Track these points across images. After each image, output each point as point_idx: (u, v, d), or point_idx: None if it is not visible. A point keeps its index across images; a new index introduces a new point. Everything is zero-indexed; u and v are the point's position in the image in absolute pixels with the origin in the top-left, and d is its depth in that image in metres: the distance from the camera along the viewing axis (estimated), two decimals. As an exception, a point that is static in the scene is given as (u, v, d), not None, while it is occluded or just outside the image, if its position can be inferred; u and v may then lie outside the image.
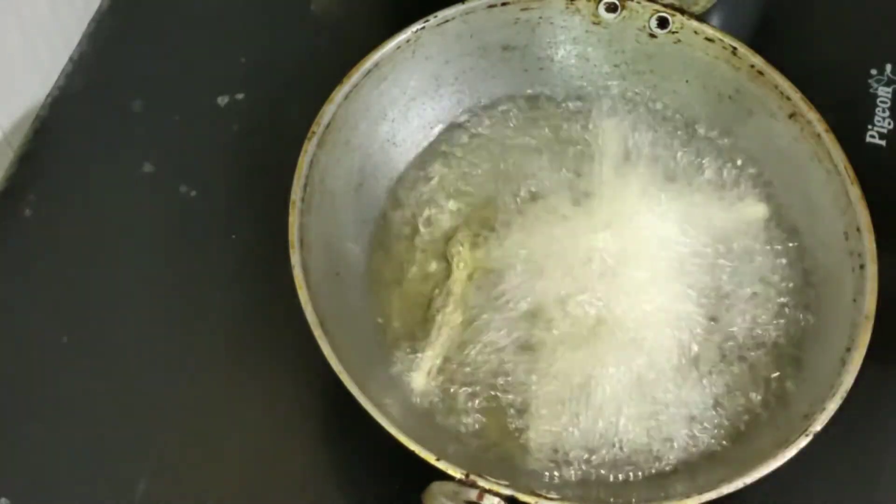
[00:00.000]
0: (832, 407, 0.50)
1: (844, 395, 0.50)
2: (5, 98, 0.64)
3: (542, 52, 0.64)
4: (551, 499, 0.47)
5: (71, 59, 0.69)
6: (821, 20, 0.74)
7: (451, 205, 0.61)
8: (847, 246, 0.56)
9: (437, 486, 0.47)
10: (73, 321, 0.59)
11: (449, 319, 0.56)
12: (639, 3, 0.62)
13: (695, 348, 0.56)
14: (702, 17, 0.64)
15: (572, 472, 0.53)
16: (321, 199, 0.56)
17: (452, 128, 0.64)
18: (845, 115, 0.64)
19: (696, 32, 0.62)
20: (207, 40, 0.71)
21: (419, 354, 0.55)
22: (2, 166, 0.64)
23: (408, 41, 0.61)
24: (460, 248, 0.59)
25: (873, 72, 0.70)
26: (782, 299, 0.58)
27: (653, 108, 0.64)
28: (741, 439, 0.54)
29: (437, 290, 0.58)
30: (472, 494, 0.47)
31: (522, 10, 0.63)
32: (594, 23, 0.63)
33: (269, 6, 0.73)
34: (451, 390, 0.55)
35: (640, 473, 0.53)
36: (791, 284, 0.58)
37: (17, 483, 0.55)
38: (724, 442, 0.54)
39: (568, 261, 0.57)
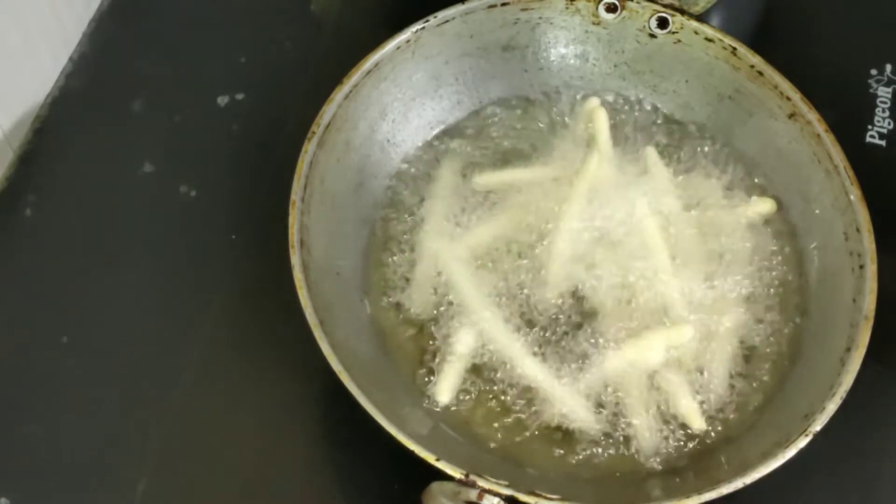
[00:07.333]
0: (832, 407, 0.50)
1: (844, 395, 0.50)
2: (5, 98, 0.64)
3: (542, 53, 0.64)
4: (551, 498, 0.47)
5: (71, 59, 0.69)
6: (821, 20, 0.74)
7: (452, 203, 0.61)
8: (847, 246, 0.56)
9: (437, 486, 0.47)
10: (73, 321, 0.59)
11: (464, 322, 0.56)
12: (639, 3, 0.62)
13: (693, 346, 0.56)
14: (702, 17, 0.64)
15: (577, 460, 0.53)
16: (321, 199, 0.56)
17: (452, 128, 0.64)
18: (845, 115, 0.64)
19: (696, 32, 0.62)
20: (207, 40, 0.71)
21: (437, 365, 0.56)
22: (2, 166, 0.64)
23: (408, 41, 0.61)
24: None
25: (873, 72, 0.70)
26: (781, 299, 0.58)
27: (652, 109, 0.64)
28: (741, 439, 0.54)
29: (439, 290, 0.58)
30: (472, 494, 0.47)
31: (522, 10, 0.63)
32: (594, 23, 0.63)
33: (269, 6, 0.73)
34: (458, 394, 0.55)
35: (640, 471, 0.53)
36: (790, 284, 0.58)
37: (17, 483, 0.55)
38: (725, 441, 0.54)
39: (572, 243, 0.57)
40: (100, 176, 0.65)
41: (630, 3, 0.62)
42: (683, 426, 0.54)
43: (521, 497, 0.47)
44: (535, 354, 0.55)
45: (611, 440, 0.54)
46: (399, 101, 0.62)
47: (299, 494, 0.55)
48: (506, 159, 0.63)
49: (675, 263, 0.58)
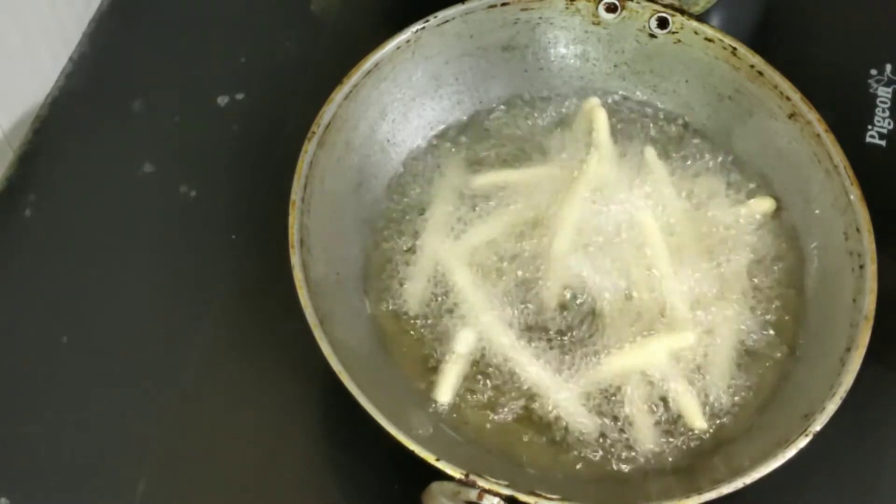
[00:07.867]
0: (832, 407, 0.50)
1: (844, 395, 0.50)
2: (5, 98, 0.64)
3: (542, 53, 0.64)
4: (551, 498, 0.47)
5: (71, 59, 0.69)
6: (821, 20, 0.74)
7: (452, 203, 0.61)
8: (847, 246, 0.56)
9: (437, 486, 0.47)
10: (73, 321, 0.59)
11: (465, 323, 0.56)
12: (639, 3, 0.62)
13: (693, 347, 0.56)
14: (702, 17, 0.64)
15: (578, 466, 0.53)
16: (321, 199, 0.56)
17: (452, 128, 0.64)
18: (845, 115, 0.64)
19: (696, 32, 0.62)
20: (207, 40, 0.71)
21: (437, 365, 0.55)
22: (2, 166, 0.64)
23: (408, 41, 0.61)
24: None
25: (873, 72, 0.70)
26: (781, 299, 0.58)
27: (652, 109, 0.64)
28: (741, 439, 0.54)
29: (439, 290, 0.58)
30: (472, 494, 0.47)
31: (522, 10, 0.63)
32: (594, 23, 0.63)
33: (269, 6, 0.73)
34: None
35: (640, 471, 0.53)
36: (790, 284, 0.58)
37: (17, 483, 0.55)
38: (725, 441, 0.54)
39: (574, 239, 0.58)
40: (100, 176, 0.65)
41: (630, 3, 0.62)
42: (684, 426, 0.54)
43: (521, 497, 0.47)
44: (535, 354, 0.55)
45: (611, 440, 0.54)
46: (399, 101, 0.62)
47: (299, 494, 0.55)
48: (506, 159, 0.63)
49: (675, 263, 0.58)
